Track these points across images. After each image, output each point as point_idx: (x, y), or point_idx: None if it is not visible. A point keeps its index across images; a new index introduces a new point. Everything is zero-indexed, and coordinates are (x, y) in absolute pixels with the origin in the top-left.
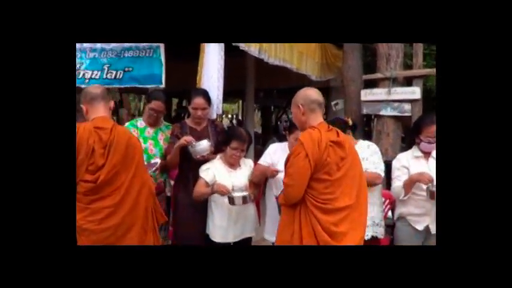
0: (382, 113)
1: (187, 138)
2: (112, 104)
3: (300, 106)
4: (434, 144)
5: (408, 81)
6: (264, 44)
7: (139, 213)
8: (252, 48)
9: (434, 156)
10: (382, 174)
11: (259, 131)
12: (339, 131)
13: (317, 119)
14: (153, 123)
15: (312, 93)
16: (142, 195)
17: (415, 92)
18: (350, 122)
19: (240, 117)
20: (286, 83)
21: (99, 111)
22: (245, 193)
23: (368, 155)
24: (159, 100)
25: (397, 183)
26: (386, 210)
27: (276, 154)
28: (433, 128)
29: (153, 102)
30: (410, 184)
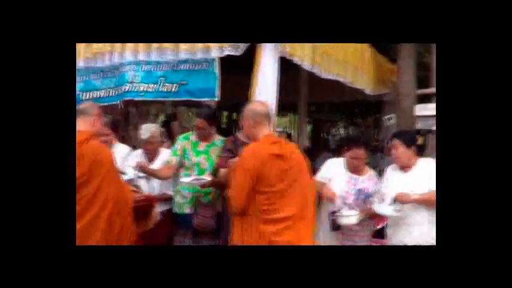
0: (436, 128)
1: None
2: (108, 118)
3: (248, 120)
4: None
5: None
6: (318, 58)
7: (100, 226)
8: (305, 62)
9: None
10: None
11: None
12: (286, 142)
13: (264, 131)
14: (203, 138)
15: (258, 107)
16: (105, 210)
17: None
18: (420, 141)
19: (288, 131)
20: (340, 96)
21: (79, 126)
22: None
23: (434, 173)
24: (202, 117)
25: None
26: None
27: (332, 169)
28: None
29: (197, 119)
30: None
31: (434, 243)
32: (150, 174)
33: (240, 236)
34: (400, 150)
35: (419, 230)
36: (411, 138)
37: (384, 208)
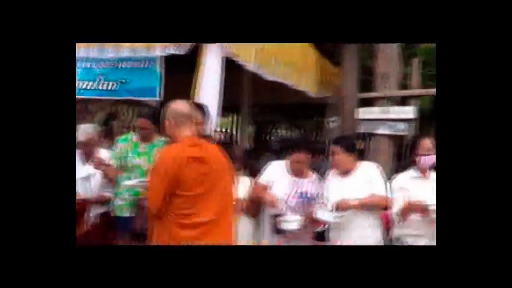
0: (378, 131)
1: None
2: None
3: (169, 120)
4: (433, 157)
5: (403, 101)
6: (263, 60)
7: None
8: (250, 64)
9: (432, 177)
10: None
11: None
12: (208, 144)
13: (185, 132)
14: (144, 139)
15: (180, 106)
16: None
17: (410, 111)
18: (361, 146)
19: (230, 132)
20: (283, 98)
21: None
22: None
23: (374, 177)
24: (144, 117)
25: (395, 208)
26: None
27: (275, 172)
28: (428, 141)
29: (138, 119)
30: (407, 212)
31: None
32: (105, 171)
33: (156, 240)
34: (340, 156)
35: (360, 234)
36: (351, 145)
37: (325, 215)
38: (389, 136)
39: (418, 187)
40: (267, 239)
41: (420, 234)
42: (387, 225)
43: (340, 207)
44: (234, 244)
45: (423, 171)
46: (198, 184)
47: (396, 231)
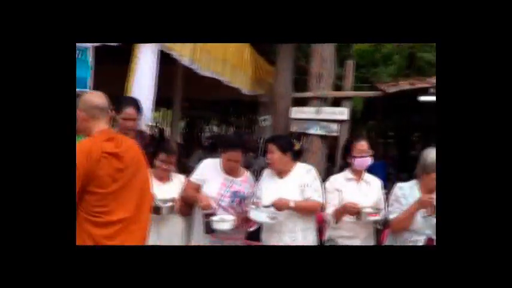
0: (310, 131)
1: None
2: None
3: (83, 112)
4: (367, 159)
5: (336, 102)
6: (197, 54)
7: None
8: (184, 58)
9: (366, 179)
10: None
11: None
12: (124, 139)
13: (99, 125)
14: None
15: (94, 98)
16: None
17: (343, 112)
18: (297, 147)
19: (161, 127)
20: (216, 94)
21: None
22: (170, 203)
23: (310, 181)
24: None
25: (329, 209)
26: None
27: (208, 170)
28: (363, 142)
29: None
30: (340, 214)
31: None
32: None
33: (78, 239)
34: (276, 155)
35: (291, 237)
36: (287, 144)
37: (259, 215)
38: (322, 137)
39: (352, 189)
40: (199, 239)
41: (353, 235)
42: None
43: (278, 207)
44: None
45: (357, 173)
46: (112, 181)
47: (329, 233)
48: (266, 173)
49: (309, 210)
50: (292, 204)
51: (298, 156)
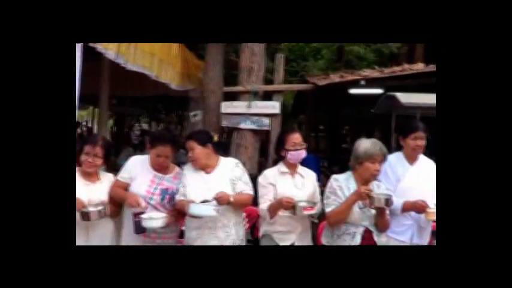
0: (242, 126)
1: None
2: None
3: None
4: (301, 152)
5: (267, 96)
6: (123, 48)
7: None
8: (110, 51)
9: (300, 172)
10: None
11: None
12: None
13: None
14: None
15: None
16: None
17: (275, 106)
18: (215, 138)
19: (89, 125)
20: (144, 91)
21: None
22: (100, 207)
23: (240, 174)
24: None
25: (264, 204)
26: (247, 227)
27: (136, 168)
28: (296, 135)
29: None
30: (275, 208)
31: (242, 242)
32: None
33: None
34: (198, 150)
35: (225, 232)
36: (205, 136)
37: (204, 209)
38: (254, 131)
39: (287, 182)
40: (129, 240)
41: (289, 230)
42: (251, 222)
43: (220, 201)
44: None
45: (292, 167)
46: None
47: (264, 228)
48: (188, 169)
49: (243, 204)
50: (232, 198)
51: (225, 151)
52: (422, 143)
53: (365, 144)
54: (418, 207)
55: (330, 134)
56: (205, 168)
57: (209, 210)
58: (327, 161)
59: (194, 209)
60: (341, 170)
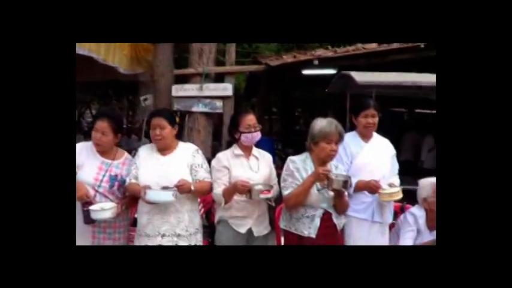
0: (194, 109)
1: None
2: None
3: None
4: (256, 134)
5: (219, 78)
6: None
7: None
8: None
9: (255, 155)
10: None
11: None
12: None
13: None
14: None
15: None
16: None
17: (227, 88)
18: (177, 119)
19: None
20: (91, 75)
21: None
22: None
23: (201, 161)
24: None
25: (218, 188)
26: (202, 212)
27: (81, 155)
28: (251, 116)
29: None
30: (230, 193)
31: (197, 231)
32: None
33: None
34: (167, 129)
35: (177, 218)
36: (173, 117)
37: (163, 195)
38: (207, 114)
39: (242, 165)
40: (79, 229)
41: (245, 215)
42: (206, 207)
43: (182, 190)
44: None
45: (246, 149)
46: None
47: (219, 214)
48: (144, 150)
49: (203, 192)
50: (193, 187)
51: (179, 134)
52: (374, 120)
53: (321, 124)
54: (371, 187)
55: (283, 116)
56: (165, 150)
57: (169, 196)
58: (280, 143)
59: (153, 196)
60: (295, 152)
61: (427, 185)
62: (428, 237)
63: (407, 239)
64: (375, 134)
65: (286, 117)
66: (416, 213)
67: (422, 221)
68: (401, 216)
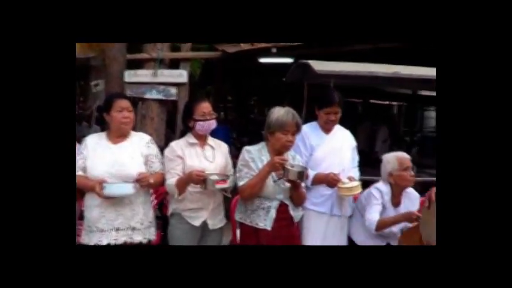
0: (147, 96)
1: None
2: None
3: None
4: (211, 122)
5: (174, 64)
6: None
7: None
8: None
9: (211, 144)
10: None
11: None
12: None
13: None
14: None
15: None
16: None
17: (182, 75)
18: None
19: None
20: None
21: None
22: None
23: (156, 152)
24: None
25: (171, 179)
26: (154, 204)
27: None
28: (206, 104)
29: None
30: (184, 183)
31: (151, 224)
32: None
33: None
34: (132, 114)
35: (132, 210)
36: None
37: (123, 187)
38: (160, 101)
39: (196, 155)
40: None
41: (200, 207)
42: (159, 198)
43: (142, 182)
44: None
45: (201, 138)
46: None
47: (173, 206)
48: (92, 140)
49: (159, 184)
50: (152, 180)
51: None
52: (336, 117)
53: (278, 113)
54: (330, 181)
55: (238, 104)
56: (117, 138)
57: (130, 188)
58: (235, 132)
59: (113, 189)
60: (251, 141)
61: (392, 159)
62: (393, 213)
63: (374, 213)
64: (336, 125)
65: (241, 106)
66: (382, 189)
67: (387, 197)
68: (365, 192)
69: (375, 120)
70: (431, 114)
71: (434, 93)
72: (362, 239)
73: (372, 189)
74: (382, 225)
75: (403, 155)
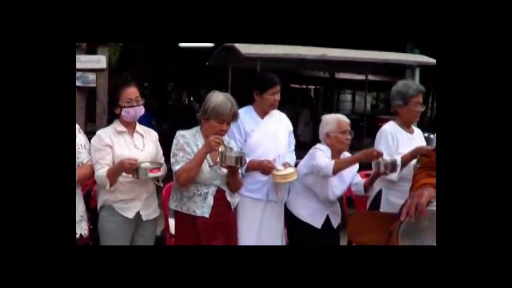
0: None
1: None
2: None
3: None
4: (139, 109)
5: (92, 50)
6: None
7: None
8: None
9: (139, 131)
10: None
11: None
12: None
13: None
14: None
15: None
16: None
17: (100, 60)
18: None
19: None
20: None
21: None
22: None
23: (84, 141)
24: None
25: (101, 169)
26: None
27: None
28: (133, 89)
29: None
30: (116, 173)
31: (82, 218)
32: None
33: None
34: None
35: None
36: None
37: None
38: (78, 88)
39: (126, 143)
40: None
41: (133, 198)
42: (85, 190)
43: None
44: None
45: (129, 125)
46: None
47: (103, 198)
48: None
49: (87, 179)
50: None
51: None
52: (279, 97)
53: (216, 100)
54: (264, 168)
55: (157, 91)
56: None
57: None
58: (155, 118)
59: None
60: (171, 128)
61: (331, 120)
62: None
63: (325, 158)
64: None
65: (159, 92)
66: (322, 149)
67: (328, 154)
68: (309, 152)
69: (296, 104)
70: (347, 98)
71: (351, 77)
72: (304, 213)
73: (314, 149)
74: (340, 165)
75: (343, 118)
